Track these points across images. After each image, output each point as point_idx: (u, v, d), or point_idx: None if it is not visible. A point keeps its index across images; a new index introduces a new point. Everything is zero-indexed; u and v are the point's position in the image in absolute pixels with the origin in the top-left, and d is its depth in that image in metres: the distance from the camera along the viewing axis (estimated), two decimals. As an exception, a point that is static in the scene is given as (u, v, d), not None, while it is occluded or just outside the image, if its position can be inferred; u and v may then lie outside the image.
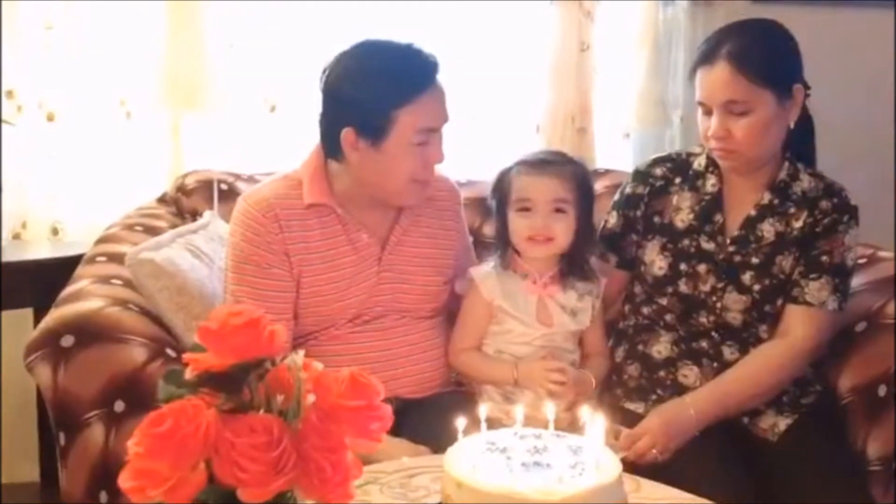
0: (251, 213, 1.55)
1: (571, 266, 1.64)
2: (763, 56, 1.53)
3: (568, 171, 1.61)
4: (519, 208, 1.60)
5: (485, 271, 1.65)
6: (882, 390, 1.62)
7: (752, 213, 1.62)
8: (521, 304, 1.62)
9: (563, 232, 1.59)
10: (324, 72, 1.56)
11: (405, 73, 1.51)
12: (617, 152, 2.52)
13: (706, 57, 1.55)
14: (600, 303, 1.68)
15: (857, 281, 1.72)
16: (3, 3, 2.06)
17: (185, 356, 0.82)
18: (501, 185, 1.64)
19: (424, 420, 1.50)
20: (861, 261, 1.78)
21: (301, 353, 0.84)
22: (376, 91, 1.50)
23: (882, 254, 1.84)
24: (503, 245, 1.64)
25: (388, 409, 0.83)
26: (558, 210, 1.59)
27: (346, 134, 1.52)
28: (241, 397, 0.82)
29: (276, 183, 1.61)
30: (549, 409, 1.15)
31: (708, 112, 1.56)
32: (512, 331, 1.63)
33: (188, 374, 0.82)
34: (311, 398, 0.79)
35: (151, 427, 0.79)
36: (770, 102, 1.53)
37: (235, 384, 0.81)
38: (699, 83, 1.57)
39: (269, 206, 1.55)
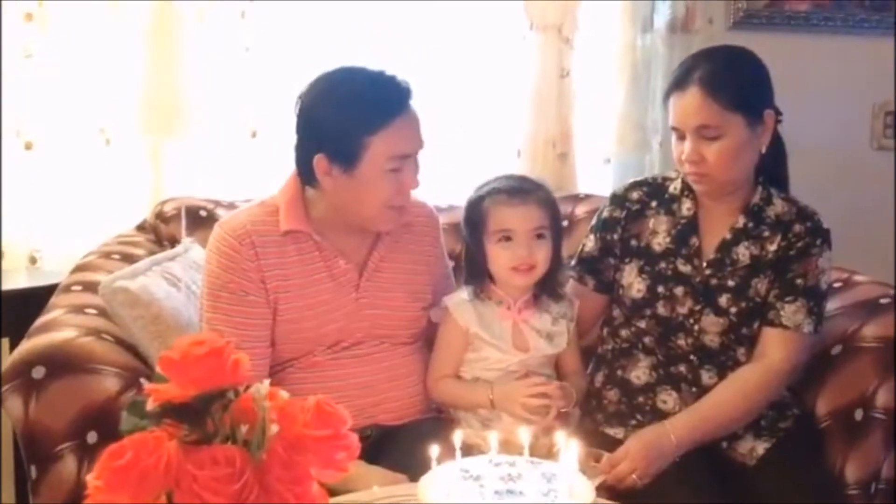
0: (227, 241, 1.55)
1: (544, 290, 1.65)
2: (734, 82, 1.55)
3: (542, 197, 1.62)
4: (500, 238, 1.59)
5: (459, 299, 1.64)
6: (859, 414, 1.63)
7: (728, 236, 1.63)
8: (497, 330, 1.62)
9: (543, 258, 1.60)
10: (298, 98, 1.56)
11: (377, 100, 1.51)
12: (598, 177, 2.54)
13: (679, 83, 1.57)
14: (574, 325, 1.68)
15: (832, 304, 1.73)
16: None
17: (147, 387, 0.81)
18: (476, 215, 1.62)
19: (404, 447, 1.49)
20: (836, 284, 1.80)
21: (266, 382, 0.84)
22: (348, 117, 1.50)
23: (857, 278, 1.86)
24: (477, 273, 1.64)
25: (354, 438, 0.83)
26: (539, 237, 1.60)
27: (319, 160, 1.52)
28: (204, 428, 0.81)
29: (252, 210, 1.60)
30: (524, 435, 1.15)
31: (681, 137, 1.58)
32: (488, 357, 1.62)
33: (150, 404, 0.81)
34: (274, 428, 0.79)
35: (111, 460, 0.78)
36: (741, 127, 1.55)
37: (198, 415, 0.81)
38: (672, 108, 1.59)
39: (245, 232, 1.54)
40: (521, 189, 1.62)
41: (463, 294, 1.65)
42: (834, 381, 1.69)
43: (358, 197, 1.53)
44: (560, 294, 1.67)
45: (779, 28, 2.66)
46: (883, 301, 1.75)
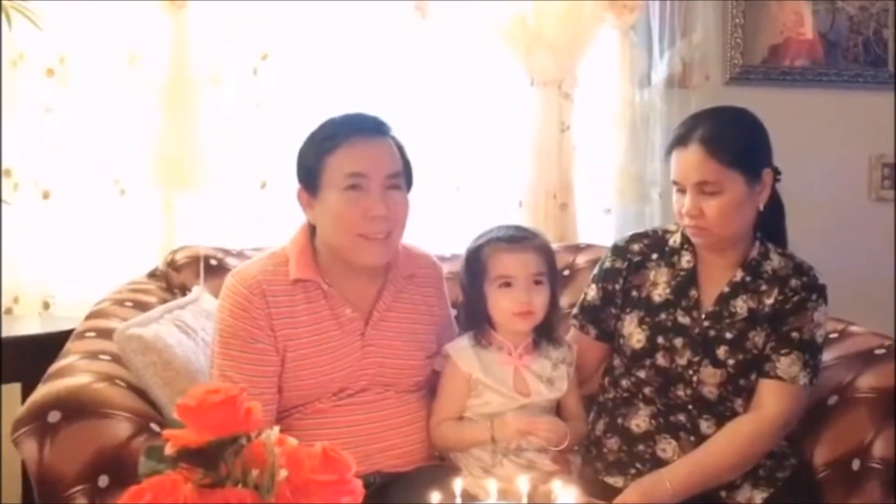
0: (239, 290, 1.59)
1: (542, 335, 1.69)
2: (733, 141, 1.60)
3: (539, 244, 1.69)
4: (500, 284, 1.64)
5: (461, 346, 1.68)
6: (856, 464, 1.64)
7: (726, 289, 1.66)
8: (499, 375, 1.65)
9: (542, 303, 1.65)
10: None
11: (338, 125, 1.61)
12: (598, 227, 2.59)
13: (680, 140, 1.63)
14: (574, 370, 1.71)
15: (828, 355, 1.76)
16: (3, 85, 2.15)
17: (165, 433, 0.85)
18: (476, 263, 1.67)
19: (406, 495, 1.50)
20: (833, 335, 1.82)
21: (276, 428, 0.88)
22: (312, 144, 1.61)
23: (853, 328, 1.88)
24: (477, 320, 1.68)
25: (358, 484, 0.86)
26: (537, 282, 1.64)
27: (299, 193, 1.62)
28: (218, 472, 0.85)
29: (263, 260, 1.65)
30: (523, 484, 1.18)
31: (682, 191, 1.63)
32: (490, 402, 1.65)
33: (168, 449, 0.85)
34: (283, 473, 0.83)
35: (131, 501, 0.82)
36: (740, 185, 1.59)
37: (212, 459, 0.84)
38: (674, 164, 1.64)
39: (256, 282, 1.59)
40: (519, 237, 1.68)
41: (464, 341, 1.69)
42: (831, 432, 1.71)
43: (329, 223, 1.59)
44: (558, 339, 1.71)
45: (775, 83, 2.73)
46: (878, 352, 1.77)
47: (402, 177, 1.64)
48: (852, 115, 2.78)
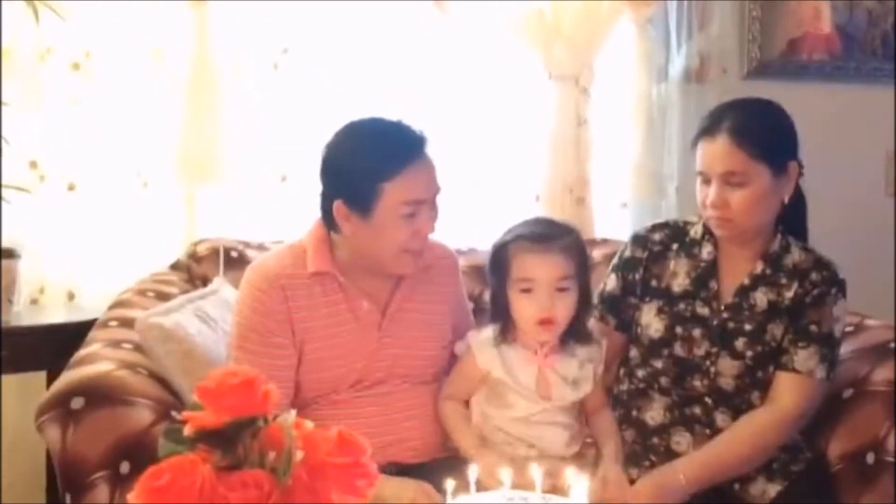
0: (257, 284, 1.60)
1: (571, 335, 1.62)
2: (761, 132, 1.60)
3: (567, 244, 1.59)
4: (521, 289, 1.57)
5: (483, 339, 1.63)
6: (870, 458, 1.64)
7: (746, 281, 1.66)
8: (521, 376, 1.59)
9: (566, 311, 1.57)
10: (325, 146, 1.63)
11: (390, 148, 1.57)
12: (615, 222, 2.59)
13: (707, 130, 1.62)
14: (602, 366, 1.66)
15: (844, 349, 1.75)
16: (30, 79, 2.18)
17: (184, 414, 0.88)
18: (499, 261, 1.60)
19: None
20: (848, 329, 1.81)
21: (293, 412, 0.90)
22: (363, 165, 1.56)
23: (869, 322, 1.88)
24: (503, 317, 1.61)
25: (373, 467, 0.88)
26: (562, 289, 1.56)
27: (338, 206, 1.58)
28: (235, 454, 0.87)
29: (281, 253, 1.67)
30: (536, 472, 1.19)
31: (707, 181, 1.62)
32: (514, 405, 1.59)
33: (186, 430, 0.88)
34: (299, 455, 0.85)
35: (151, 481, 0.84)
36: (766, 176, 1.59)
37: (230, 441, 0.86)
38: (700, 154, 1.64)
39: (275, 276, 1.60)
40: (545, 236, 1.58)
41: (488, 333, 1.63)
42: (845, 425, 1.70)
43: (375, 242, 1.58)
44: (587, 337, 1.64)
45: (793, 77, 2.72)
46: (893, 345, 1.77)
47: None
48: (870, 110, 2.76)
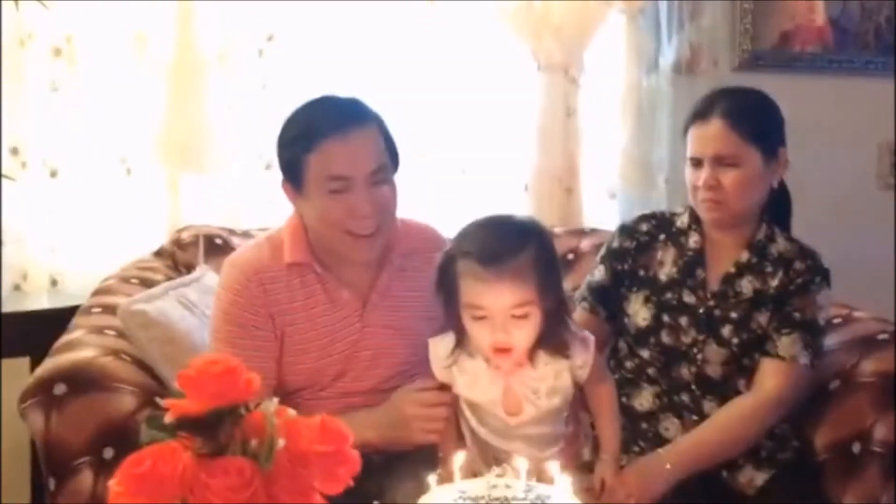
0: (236, 278, 1.57)
1: (545, 341, 1.41)
2: (753, 116, 1.64)
3: (523, 264, 1.35)
4: (473, 315, 1.38)
5: (440, 351, 1.47)
6: (856, 447, 1.65)
7: (732, 269, 1.68)
8: (486, 391, 1.44)
9: (525, 339, 1.38)
10: None
11: (314, 119, 1.52)
12: (603, 212, 2.59)
13: (700, 114, 1.65)
14: (589, 370, 1.46)
15: (831, 340, 1.76)
16: (11, 65, 2.15)
17: (165, 401, 0.87)
18: (448, 278, 1.40)
19: (409, 473, 1.50)
20: (836, 321, 1.83)
21: (275, 399, 0.89)
22: (288, 135, 1.53)
23: (857, 314, 1.89)
24: (458, 330, 1.43)
25: (355, 454, 0.87)
26: (518, 316, 1.35)
27: (283, 185, 1.56)
28: (217, 441, 0.86)
29: (259, 245, 1.62)
30: (522, 463, 1.18)
31: (698, 165, 1.64)
32: (482, 419, 1.45)
33: (168, 418, 0.87)
34: (280, 442, 0.84)
35: (131, 467, 0.83)
36: (757, 159, 1.62)
37: (212, 428, 0.86)
38: (692, 138, 1.66)
39: (252, 269, 1.56)
40: (496, 256, 1.34)
41: (447, 342, 1.46)
42: (832, 416, 1.71)
43: (316, 219, 1.53)
44: (563, 346, 1.43)
45: (784, 70, 2.71)
46: (881, 337, 1.77)
47: (387, 167, 1.55)
48: (861, 103, 2.76)
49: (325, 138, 1.49)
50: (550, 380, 1.43)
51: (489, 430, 1.45)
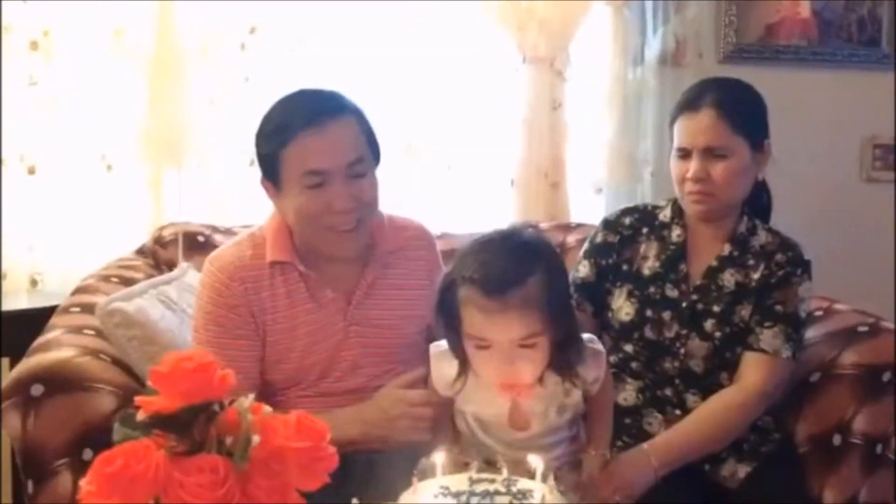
0: (217, 277, 1.55)
1: (554, 365, 1.33)
2: (743, 107, 1.64)
3: (531, 293, 1.25)
4: (476, 345, 1.29)
5: (447, 366, 1.36)
6: (837, 439, 1.67)
7: (714, 263, 1.68)
8: (490, 407, 1.36)
9: (533, 370, 1.30)
10: None
11: (289, 113, 1.50)
12: (589, 206, 2.58)
13: (690, 104, 1.65)
14: (600, 384, 1.39)
15: (812, 332, 1.77)
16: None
17: (137, 399, 0.85)
18: (449, 304, 1.29)
19: (392, 472, 1.49)
20: (817, 313, 1.84)
21: (251, 396, 0.88)
22: (264, 131, 1.51)
23: (838, 306, 1.89)
24: (460, 354, 1.34)
25: (332, 450, 0.86)
26: (526, 346, 1.27)
27: (263, 182, 1.54)
28: (191, 439, 0.85)
29: (240, 243, 1.60)
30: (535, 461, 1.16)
31: (686, 156, 1.64)
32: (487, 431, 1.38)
33: (140, 416, 0.85)
34: (255, 439, 0.83)
35: (103, 466, 0.82)
36: (745, 151, 1.63)
37: (185, 426, 0.84)
38: (681, 129, 1.65)
39: (234, 268, 1.54)
40: (502, 284, 1.23)
41: (451, 361, 1.36)
42: (813, 408, 1.72)
43: (295, 217, 1.50)
44: (573, 373, 1.35)
45: (768, 62, 2.71)
46: (861, 329, 1.78)
47: (366, 159, 1.52)
48: (845, 95, 2.77)
49: (301, 132, 1.46)
50: (560, 398, 1.36)
51: (495, 441, 1.38)
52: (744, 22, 2.71)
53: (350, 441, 1.46)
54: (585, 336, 1.40)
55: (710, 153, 1.61)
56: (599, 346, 1.41)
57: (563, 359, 1.32)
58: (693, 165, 1.61)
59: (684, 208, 1.70)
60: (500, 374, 1.28)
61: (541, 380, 1.33)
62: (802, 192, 2.29)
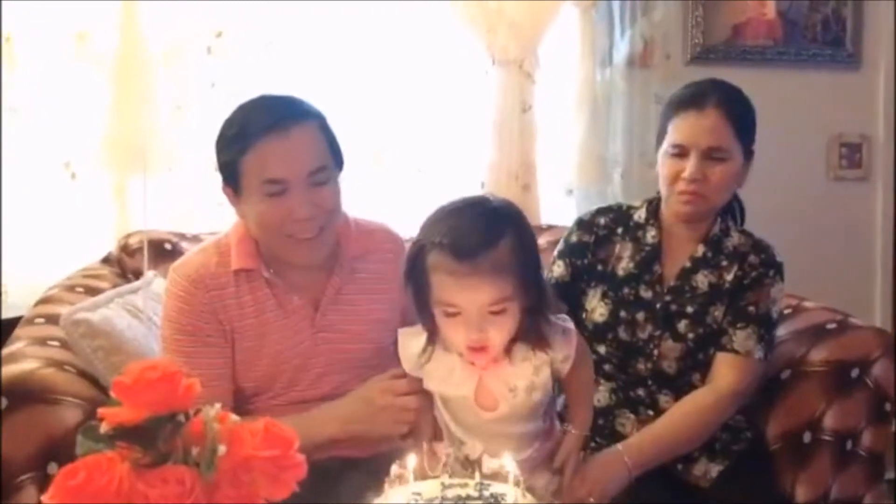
0: (182, 285, 1.52)
1: (523, 335, 1.32)
2: (743, 113, 1.64)
3: (501, 256, 1.24)
4: (445, 312, 1.28)
5: (414, 343, 1.37)
6: (807, 437, 1.68)
7: (688, 264, 1.68)
8: (458, 386, 1.34)
9: (502, 336, 1.28)
10: None
11: (248, 120, 1.47)
12: (560, 208, 2.59)
13: (694, 102, 1.61)
14: (571, 363, 1.36)
15: (782, 330, 1.78)
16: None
17: (100, 410, 0.83)
18: (418, 269, 1.28)
19: (365, 479, 1.46)
20: (786, 311, 1.85)
21: (217, 405, 0.86)
22: (224, 137, 1.49)
23: (806, 304, 1.91)
24: (428, 323, 1.33)
25: (301, 458, 0.85)
26: (495, 312, 1.26)
27: (224, 190, 1.51)
28: (156, 450, 0.83)
29: (206, 250, 1.57)
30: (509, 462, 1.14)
31: (681, 155, 1.61)
32: (455, 415, 1.37)
33: (103, 428, 0.83)
34: (222, 449, 0.81)
35: (66, 480, 0.80)
36: (740, 157, 1.63)
37: (150, 437, 0.83)
38: (681, 126, 1.61)
39: (198, 276, 1.52)
40: (470, 247, 1.22)
41: (417, 336, 1.36)
42: (783, 405, 1.74)
43: (256, 223, 1.49)
44: (543, 339, 1.34)
45: (735, 63, 2.74)
46: (830, 326, 1.80)
47: (328, 166, 1.50)
48: (811, 95, 2.80)
49: (260, 139, 1.43)
50: (529, 376, 1.34)
51: (464, 429, 1.37)
52: (710, 23, 2.74)
53: (331, 439, 1.45)
54: (554, 317, 1.38)
55: (710, 154, 1.59)
56: (570, 325, 1.38)
57: (532, 328, 1.30)
58: (691, 165, 1.59)
59: (668, 207, 1.68)
60: (469, 340, 1.27)
61: (509, 355, 1.32)
62: (770, 191, 2.30)
